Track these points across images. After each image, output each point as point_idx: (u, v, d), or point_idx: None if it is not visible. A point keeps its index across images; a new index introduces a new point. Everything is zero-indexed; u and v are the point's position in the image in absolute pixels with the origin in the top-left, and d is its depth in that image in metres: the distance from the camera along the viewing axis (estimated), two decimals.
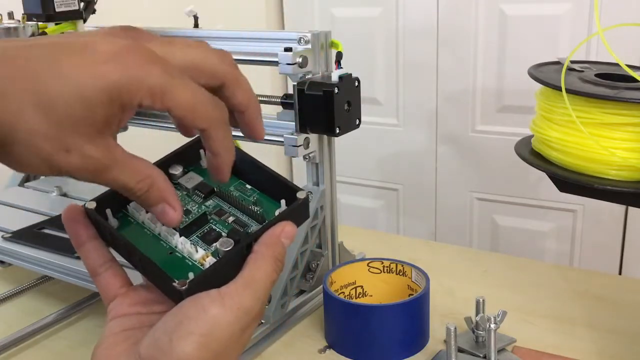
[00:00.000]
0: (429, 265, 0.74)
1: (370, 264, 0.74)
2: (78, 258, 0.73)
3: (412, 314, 0.68)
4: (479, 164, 1.46)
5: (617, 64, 0.58)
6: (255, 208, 0.43)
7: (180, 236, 0.41)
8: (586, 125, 0.57)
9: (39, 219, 0.87)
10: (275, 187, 0.44)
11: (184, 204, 0.43)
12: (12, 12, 0.76)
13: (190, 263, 0.40)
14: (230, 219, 0.43)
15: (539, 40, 1.30)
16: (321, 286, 0.72)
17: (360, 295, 0.75)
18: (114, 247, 0.42)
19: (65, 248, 0.76)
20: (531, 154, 0.65)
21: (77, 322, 0.76)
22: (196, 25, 0.86)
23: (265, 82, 1.56)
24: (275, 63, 0.68)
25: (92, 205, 0.41)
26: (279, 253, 0.40)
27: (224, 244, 0.40)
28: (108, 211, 0.42)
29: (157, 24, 0.86)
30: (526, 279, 0.84)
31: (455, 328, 0.63)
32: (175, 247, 0.41)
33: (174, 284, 0.37)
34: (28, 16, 0.76)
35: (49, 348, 0.72)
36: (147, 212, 0.42)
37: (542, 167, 0.62)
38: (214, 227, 0.43)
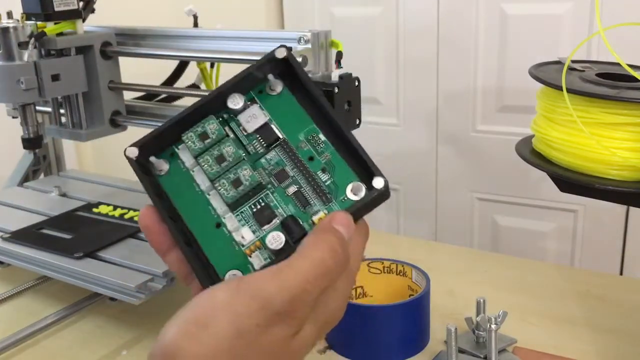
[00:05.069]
0: (429, 266, 0.73)
1: (370, 265, 0.74)
2: (77, 258, 0.73)
3: (413, 315, 0.67)
4: (480, 163, 1.46)
5: (618, 64, 0.58)
6: (324, 177, 0.37)
7: (231, 210, 0.36)
8: (587, 125, 0.57)
9: (38, 219, 0.87)
10: (350, 154, 0.37)
11: (237, 156, 0.37)
12: (11, 12, 0.76)
13: (236, 248, 0.36)
14: (291, 189, 0.37)
15: (539, 40, 1.30)
16: None
17: (360, 296, 0.75)
18: (159, 203, 0.37)
19: (64, 248, 0.76)
20: (532, 153, 0.65)
21: (76, 323, 0.76)
22: (196, 25, 0.85)
23: None
24: None
25: (134, 153, 0.37)
26: (331, 241, 0.33)
27: (274, 241, 0.35)
28: (152, 159, 0.37)
29: (156, 23, 0.86)
30: (527, 279, 0.83)
31: (456, 329, 0.63)
32: (223, 218, 0.36)
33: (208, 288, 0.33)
34: (27, 15, 0.76)
35: (48, 348, 0.72)
36: (194, 157, 0.37)
37: (543, 167, 0.61)
38: (270, 199, 0.37)
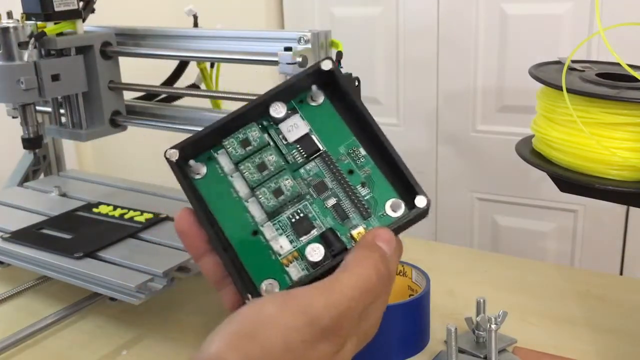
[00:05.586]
0: (429, 266, 0.73)
1: None
2: (77, 258, 0.73)
3: (413, 315, 0.67)
4: (480, 163, 1.46)
5: (618, 64, 0.58)
6: (363, 192, 0.37)
7: (268, 220, 0.36)
8: (587, 125, 0.57)
9: (38, 219, 0.87)
10: (391, 169, 0.37)
11: (279, 166, 0.37)
12: (11, 12, 0.76)
13: (273, 258, 0.36)
14: (330, 202, 0.37)
15: (539, 40, 1.30)
16: None
17: None
18: (198, 206, 0.37)
19: (64, 248, 0.76)
20: (532, 153, 0.65)
21: (76, 323, 0.76)
22: (196, 25, 0.85)
23: (265, 82, 1.56)
24: (275, 63, 0.68)
25: (174, 155, 0.37)
26: (375, 259, 0.34)
27: (314, 253, 0.35)
28: (191, 162, 0.37)
29: (156, 23, 0.86)
30: (527, 279, 0.83)
31: (456, 329, 0.63)
32: (261, 227, 0.36)
33: (246, 300, 0.34)
34: (27, 15, 0.76)
35: (48, 348, 0.72)
36: (235, 163, 0.37)
37: (543, 167, 0.61)
38: (309, 210, 0.37)
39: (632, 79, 0.57)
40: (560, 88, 0.57)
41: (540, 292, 0.80)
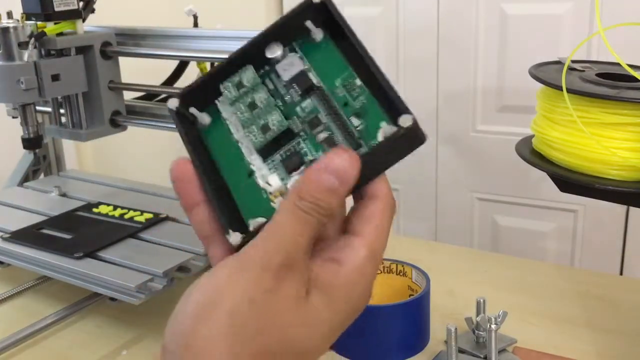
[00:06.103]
0: (429, 266, 0.73)
1: None
2: (77, 258, 0.73)
3: (413, 315, 0.67)
4: (480, 163, 1.46)
5: (618, 64, 0.58)
6: (356, 123, 0.35)
7: (260, 156, 0.36)
8: (587, 125, 0.57)
9: (38, 219, 0.87)
10: (387, 100, 0.35)
11: (269, 103, 0.37)
12: (11, 12, 0.76)
13: (264, 196, 0.35)
14: (322, 135, 0.36)
15: (539, 40, 1.30)
16: None
17: None
18: (198, 154, 0.36)
19: (64, 248, 0.76)
20: (532, 153, 0.65)
21: (76, 323, 0.76)
22: (196, 25, 0.85)
23: None
24: None
25: (174, 104, 0.37)
26: (304, 190, 0.32)
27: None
28: (195, 112, 0.37)
29: (156, 23, 0.86)
30: (527, 279, 0.83)
31: (456, 329, 0.63)
32: (253, 166, 0.36)
33: (227, 235, 0.33)
34: (27, 15, 0.76)
35: (48, 348, 0.72)
36: (231, 106, 0.37)
37: (543, 167, 0.61)
38: (300, 146, 0.36)
39: (632, 79, 0.57)
40: (560, 88, 0.57)
41: (540, 292, 0.80)
